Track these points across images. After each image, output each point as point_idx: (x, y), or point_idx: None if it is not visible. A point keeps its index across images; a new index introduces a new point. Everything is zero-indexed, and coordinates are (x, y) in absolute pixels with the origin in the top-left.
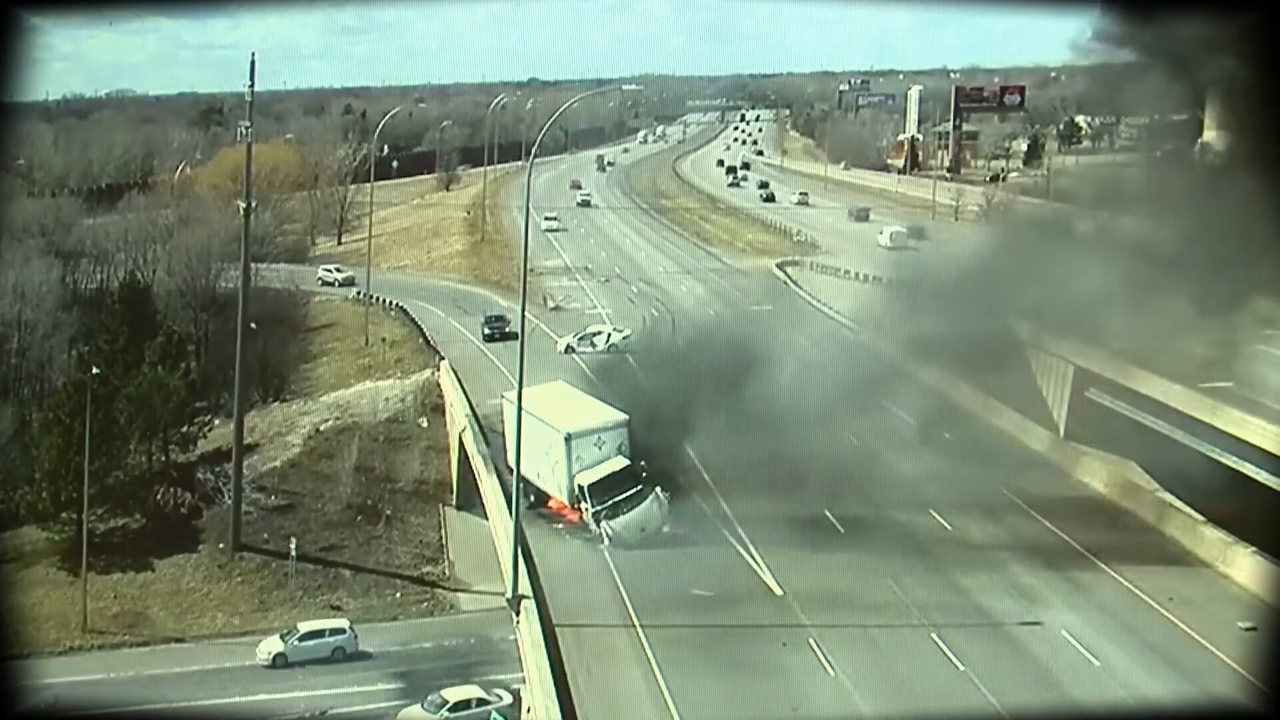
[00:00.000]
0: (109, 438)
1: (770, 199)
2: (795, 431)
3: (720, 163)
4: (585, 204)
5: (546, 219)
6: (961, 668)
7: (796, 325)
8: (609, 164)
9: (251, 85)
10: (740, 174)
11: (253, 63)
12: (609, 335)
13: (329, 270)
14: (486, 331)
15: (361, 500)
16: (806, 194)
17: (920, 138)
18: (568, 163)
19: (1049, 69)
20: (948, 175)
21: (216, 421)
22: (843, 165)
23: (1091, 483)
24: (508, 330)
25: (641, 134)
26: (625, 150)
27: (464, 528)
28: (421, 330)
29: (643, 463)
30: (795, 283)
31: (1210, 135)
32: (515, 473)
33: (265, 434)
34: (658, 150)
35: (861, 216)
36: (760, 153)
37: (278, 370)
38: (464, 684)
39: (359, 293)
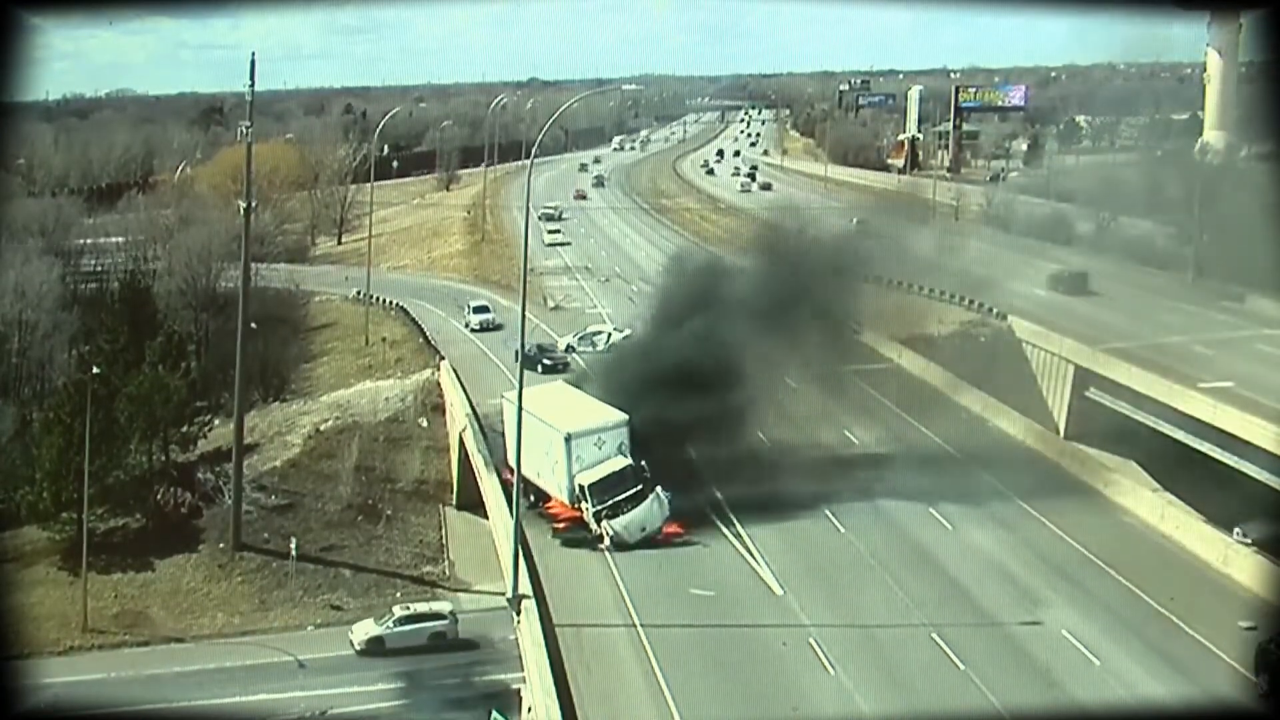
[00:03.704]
0: (109, 438)
1: (711, 172)
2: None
3: (719, 153)
4: (549, 217)
5: (549, 232)
6: (961, 667)
7: None
8: (603, 178)
9: (251, 85)
10: (715, 161)
11: (253, 63)
12: (609, 335)
13: (468, 310)
14: (546, 362)
15: (362, 500)
16: (738, 170)
17: (920, 138)
18: (567, 162)
19: (1049, 69)
20: (948, 175)
21: (216, 421)
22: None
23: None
24: (561, 364)
25: (616, 140)
26: (597, 160)
27: (464, 528)
28: (422, 330)
29: (644, 462)
30: None
31: (1210, 134)
32: (515, 473)
33: (265, 434)
34: (635, 159)
35: (749, 176)
36: (753, 145)
37: (278, 370)
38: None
39: (357, 293)
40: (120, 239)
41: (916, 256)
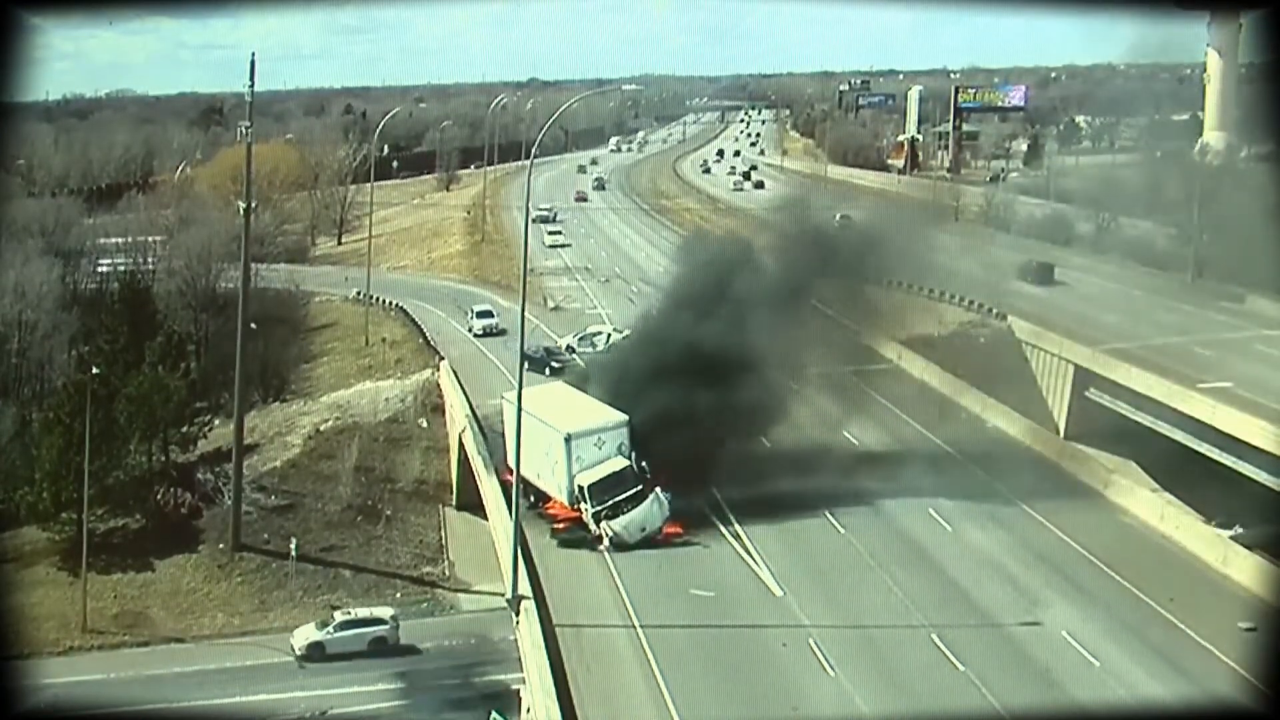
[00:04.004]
0: (109, 438)
1: (707, 171)
2: None
3: (719, 153)
4: (544, 219)
5: (550, 234)
6: (961, 668)
7: None
8: (603, 180)
9: (251, 85)
10: (715, 160)
11: (253, 63)
12: (609, 335)
13: (471, 314)
14: (555, 365)
15: (361, 500)
16: (734, 169)
17: (920, 138)
18: (567, 163)
19: (1049, 69)
20: (948, 175)
21: (216, 421)
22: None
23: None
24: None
25: (612, 141)
26: (594, 162)
27: (464, 528)
28: (421, 330)
29: (644, 463)
30: None
31: (1210, 135)
32: (515, 473)
33: (265, 434)
34: (634, 161)
35: (744, 175)
36: (754, 145)
37: (278, 370)
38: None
39: (357, 293)
40: (120, 239)
41: (901, 252)
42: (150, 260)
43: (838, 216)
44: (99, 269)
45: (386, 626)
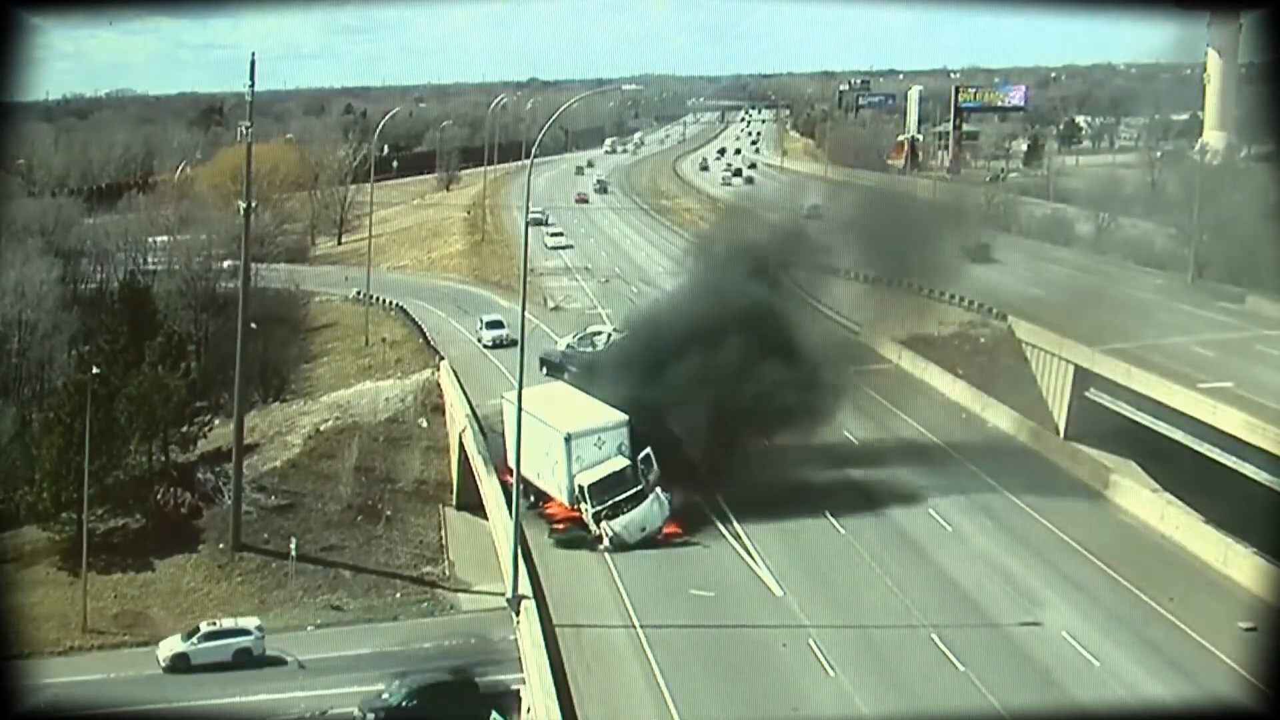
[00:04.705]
0: (109, 438)
1: (706, 169)
2: None
3: (720, 151)
4: (537, 221)
5: (552, 235)
6: (961, 668)
7: None
8: (605, 182)
9: (251, 85)
10: (715, 159)
11: (253, 63)
12: (609, 335)
13: (480, 325)
14: (573, 369)
15: (362, 500)
16: (728, 167)
17: (920, 138)
18: (567, 163)
19: (1049, 69)
20: (948, 175)
21: (216, 421)
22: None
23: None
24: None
25: (608, 142)
26: (590, 164)
27: (464, 528)
28: (422, 330)
29: (647, 457)
30: None
31: (1210, 135)
32: (515, 473)
33: (265, 434)
34: (633, 161)
35: (735, 172)
36: (754, 144)
37: (278, 370)
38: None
39: (357, 293)
40: (120, 239)
41: (867, 239)
42: (180, 260)
43: (807, 206)
44: (148, 265)
45: (251, 637)
